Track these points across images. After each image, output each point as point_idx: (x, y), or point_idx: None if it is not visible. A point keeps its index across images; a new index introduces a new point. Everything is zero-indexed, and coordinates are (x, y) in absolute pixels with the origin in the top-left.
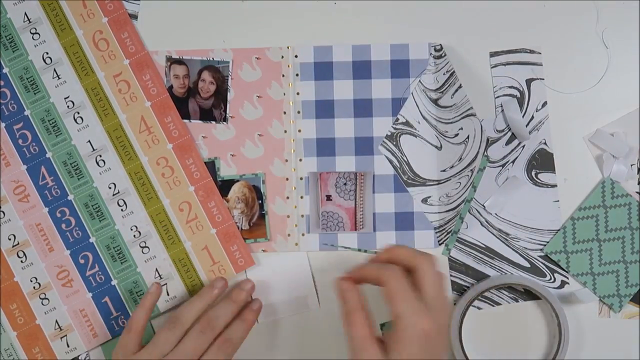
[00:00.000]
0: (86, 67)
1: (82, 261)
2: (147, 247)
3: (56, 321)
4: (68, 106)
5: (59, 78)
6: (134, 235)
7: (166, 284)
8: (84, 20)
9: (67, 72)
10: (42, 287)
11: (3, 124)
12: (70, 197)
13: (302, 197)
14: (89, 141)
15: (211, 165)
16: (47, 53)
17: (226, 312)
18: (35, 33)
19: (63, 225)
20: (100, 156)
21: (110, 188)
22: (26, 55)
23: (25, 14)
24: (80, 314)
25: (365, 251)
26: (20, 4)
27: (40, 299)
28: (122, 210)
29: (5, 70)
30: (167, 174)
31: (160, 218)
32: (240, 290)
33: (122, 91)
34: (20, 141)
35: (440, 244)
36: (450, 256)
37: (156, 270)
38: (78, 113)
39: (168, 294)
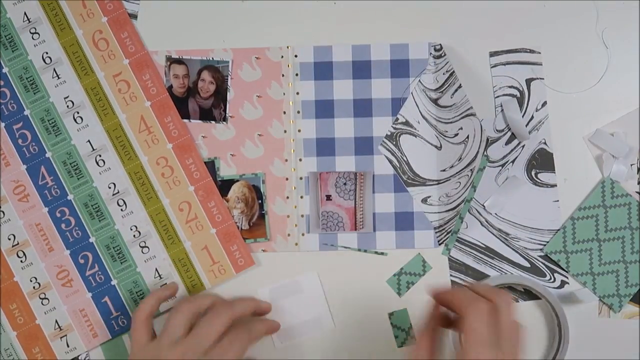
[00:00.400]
0: (86, 67)
1: (82, 261)
2: (147, 247)
3: (56, 321)
4: (68, 106)
5: (58, 78)
6: (134, 235)
7: (166, 283)
8: (83, 20)
9: (67, 71)
10: (42, 287)
11: (3, 124)
12: (70, 197)
13: (302, 197)
14: (89, 141)
15: (211, 165)
16: (47, 53)
17: (247, 307)
18: (35, 33)
19: (63, 225)
20: (100, 156)
21: (110, 188)
22: (26, 55)
23: (25, 13)
24: (80, 313)
25: (365, 251)
26: (20, 3)
27: (40, 298)
28: (121, 210)
29: (5, 70)
30: (166, 174)
31: (160, 218)
32: (264, 302)
33: (122, 91)
34: (20, 141)
35: (440, 244)
36: (450, 256)
37: (156, 270)
38: (78, 113)
39: None
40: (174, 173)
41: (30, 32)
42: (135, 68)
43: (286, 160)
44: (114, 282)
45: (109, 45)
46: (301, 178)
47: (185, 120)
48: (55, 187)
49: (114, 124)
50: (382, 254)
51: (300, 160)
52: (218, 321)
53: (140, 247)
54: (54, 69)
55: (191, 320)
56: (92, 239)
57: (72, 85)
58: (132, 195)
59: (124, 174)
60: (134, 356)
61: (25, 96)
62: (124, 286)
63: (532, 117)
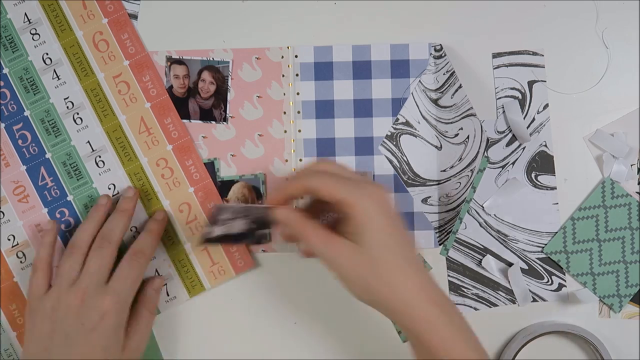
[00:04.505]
0: (86, 68)
1: None
2: None
3: None
4: (68, 107)
5: (58, 79)
6: (134, 237)
7: (166, 284)
8: (84, 21)
9: (67, 73)
10: None
11: (3, 125)
12: (70, 197)
13: (302, 198)
14: (89, 142)
15: (211, 166)
16: (47, 54)
17: (118, 222)
18: (36, 34)
19: (63, 226)
20: (100, 157)
21: (109, 189)
22: (26, 55)
23: (26, 14)
24: None
25: None
26: (21, 4)
27: None
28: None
29: (5, 70)
30: (166, 175)
31: None
32: (124, 199)
33: (122, 92)
34: (20, 142)
35: (440, 244)
36: (448, 256)
37: (156, 270)
38: (77, 114)
39: (168, 294)
40: (174, 174)
41: (31, 33)
42: (135, 69)
43: (286, 161)
44: None
45: (109, 47)
46: None
47: (186, 121)
48: (55, 187)
49: (113, 125)
50: None
51: (300, 160)
52: (106, 252)
53: None
54: (54, 70)
55: (81, 261)
56: None
57: (72, 86)
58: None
59: (124, 175)
60: (31, 308)
61: (26, 97)
62: None
63: (534, 119)
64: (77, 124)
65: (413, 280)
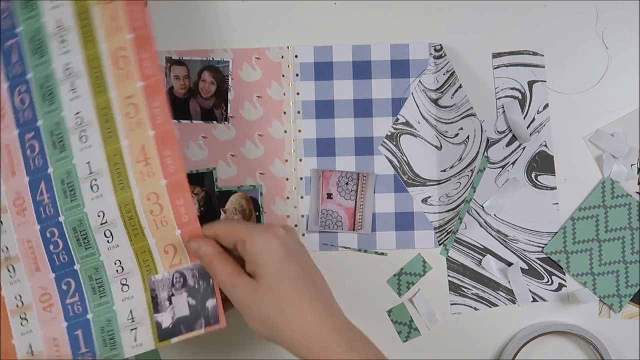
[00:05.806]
0: (101, 84)
1: (64, 287)
2: (127, 285)
3: (29, 345)
4: (77, 122)
5: (74, 91)
6: (117, 271)
7: (136, 328)
8: (109, 35)
9: (84, 86)
10: (25, 307)
11: (17, 131)
12: (61, 218)
13: (302, 198)
14: (88, 163)
15: (209, 176)
16: (69, 64)
17: None
18: (63, 41)
19: (51, 247)
20: (95, 180)
21: (99, 216)
22: (50, 63)
23: (59, 20)
24: (52, 342)
25: (366, 251)
26: (57, 9)
27: (21, 318)
28: (108, 242)
29: (29, 75)
30: (155, 212)
31: (144, 257)
32: None
33: (130, 115)
34: (28, 152)
35: (440, 244)
36: (448, 256)
37: (130, 311)
38: (84, 131)
39: (136, 340)
40: (163, 212)
41: (59, 41)
42: (147, 93)
43: (286, 161)
44: (89, 316)
45: (128, 65)
46: (301, 178)
47: (187, 121)
48: (50, 205)
49: (114, 149)
50: (382, 254)
51: (300, 160)
52: None
53: (121, 284)
54: (73, 82)
55: None
56: (76, 266)
57: (85, 101)
58: (119, 228)
59: (114, 205)
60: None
61: (41, 106)
62: (97, 322)
63: (534, 119)
64: (82, 142)
65: (311, 309)
